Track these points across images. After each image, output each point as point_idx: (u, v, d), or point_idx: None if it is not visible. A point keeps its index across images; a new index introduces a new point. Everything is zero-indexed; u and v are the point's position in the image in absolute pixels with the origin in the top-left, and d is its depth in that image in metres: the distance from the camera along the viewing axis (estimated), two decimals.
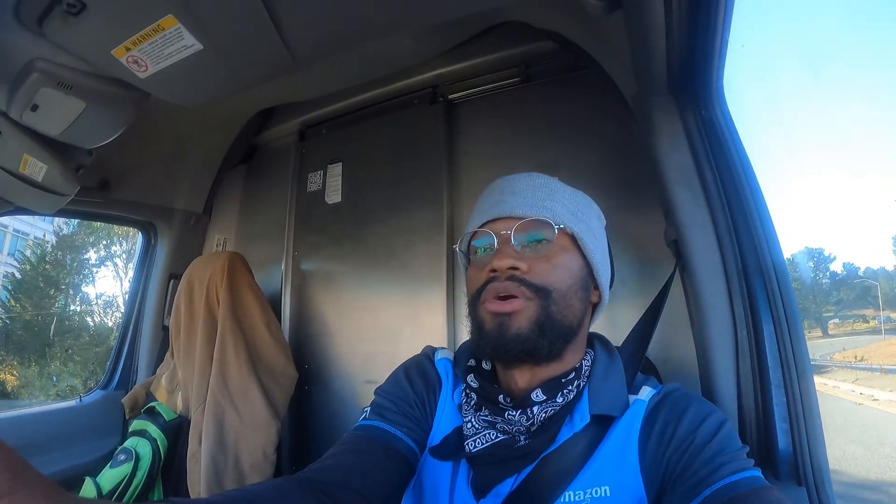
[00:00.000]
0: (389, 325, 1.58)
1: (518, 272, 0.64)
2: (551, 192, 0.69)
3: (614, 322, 1.25)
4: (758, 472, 0.55)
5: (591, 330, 0.77)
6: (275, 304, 1.73)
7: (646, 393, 0.67)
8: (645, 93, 0.98)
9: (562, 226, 0.67)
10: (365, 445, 0.67)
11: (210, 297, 1.50)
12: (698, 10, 0.71)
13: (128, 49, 0.86)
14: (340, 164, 1.78)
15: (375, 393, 0.76)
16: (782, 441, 0.77)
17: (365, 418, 0.72)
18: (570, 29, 1.23)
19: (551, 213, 0.67)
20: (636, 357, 0.80)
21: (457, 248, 0.75)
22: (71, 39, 0.86)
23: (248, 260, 1.60)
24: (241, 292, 1.51)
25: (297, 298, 1.79)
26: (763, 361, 0.82)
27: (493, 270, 0.65)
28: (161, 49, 0.85)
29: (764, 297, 0.84)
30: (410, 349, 0.89)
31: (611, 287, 1.04)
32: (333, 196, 1.76)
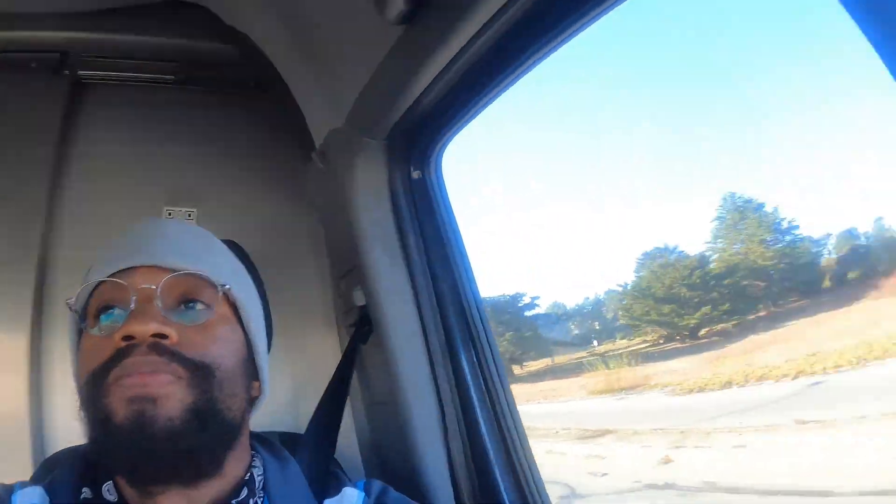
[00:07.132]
0: None
1: (166, 341, 0.47)
2: (209, 245, 0.57)
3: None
4: None
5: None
6: None
7: (353, 497, 0.59)
8: (350, 134, 0.85)
9: (227, 286, 0.53)
10: None
11: None
12: (468, 70, 0.65)
13: None
14: None
15: None
16: None
17: None
18: (268, 35, 0.98)
19: (212, 268, 0.53)
20: (325, 447, 0.74)
21: (69, 305, 0.54)
22: None
23: None
24: None
25: None
26: (479, 439, 0.77)
27: (129, 338, 0.46)
28: None
29: (474, 371, 0.80)
30: None
31: None
32: None
